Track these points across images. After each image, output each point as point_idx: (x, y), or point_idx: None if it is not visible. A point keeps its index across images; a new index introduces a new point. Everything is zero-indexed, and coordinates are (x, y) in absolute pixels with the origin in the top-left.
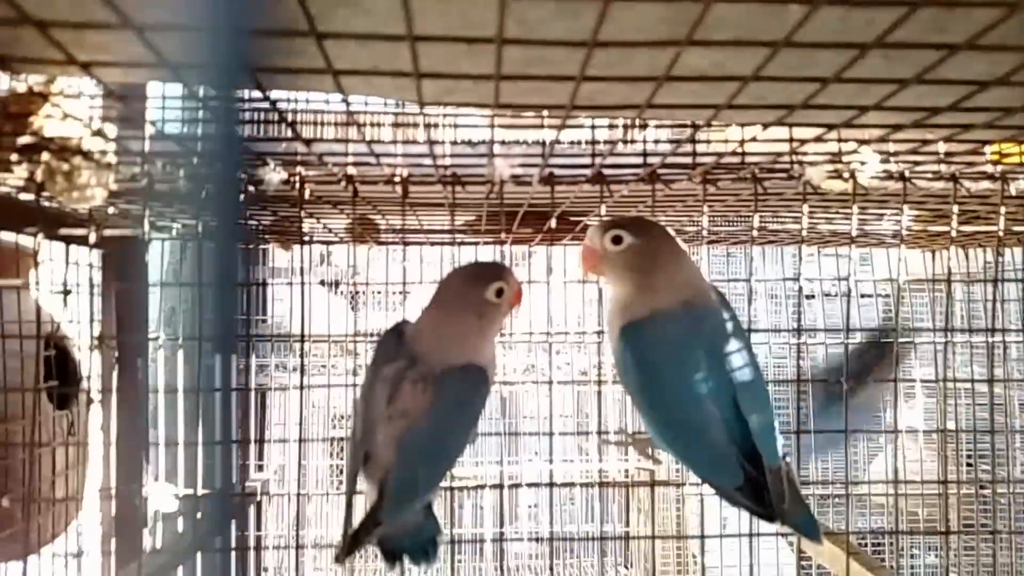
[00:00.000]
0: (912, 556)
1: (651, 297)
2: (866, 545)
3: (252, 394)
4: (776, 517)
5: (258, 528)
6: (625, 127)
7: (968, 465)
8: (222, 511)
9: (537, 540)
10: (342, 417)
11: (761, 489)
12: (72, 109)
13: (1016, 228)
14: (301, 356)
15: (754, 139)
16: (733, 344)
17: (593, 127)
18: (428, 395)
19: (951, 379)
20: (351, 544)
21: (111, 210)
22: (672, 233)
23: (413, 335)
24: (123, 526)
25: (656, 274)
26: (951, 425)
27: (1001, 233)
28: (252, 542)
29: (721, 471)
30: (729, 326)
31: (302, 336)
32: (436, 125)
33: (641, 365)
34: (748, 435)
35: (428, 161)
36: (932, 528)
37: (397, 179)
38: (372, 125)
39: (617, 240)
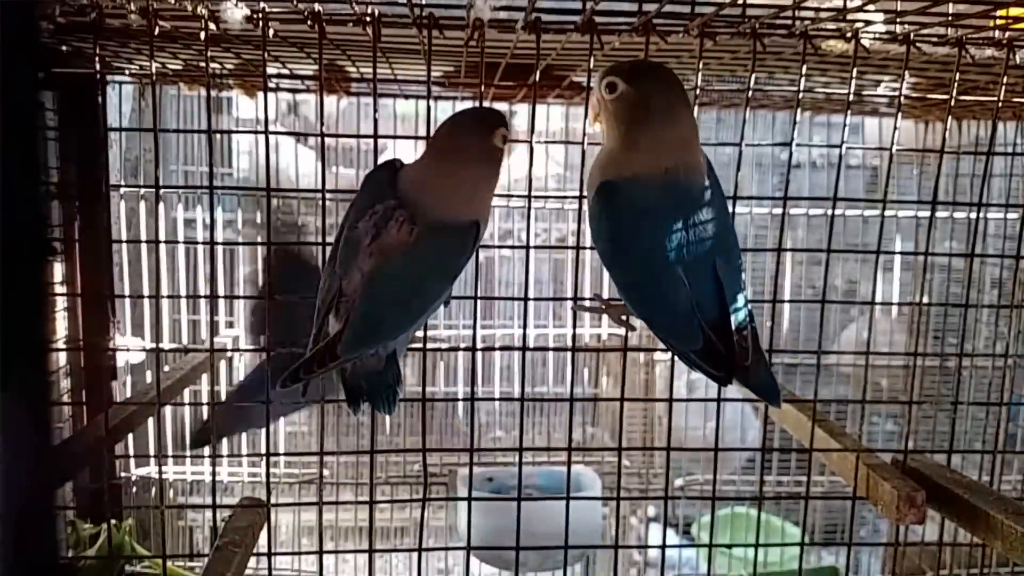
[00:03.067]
0: (872, 423)
1: (632, 158)
2: (830, 413)
3: (220, 250)
4: (730, 380)
5: (230, 383)
6: None
7: (935, 338)
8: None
9: (508, 400)
10: None
11: (719, 355)
12: None
13: (1016, 99)
14: (268, 213)
15: None
16: (713, 216)
17: None
18: (412, 237)
19: (932, 253)
20: (303, 371)
21: (63, 48)
22: (677, 84)
23: (407, 179)
24: (92, 378)
25: (643, 130)
26: (927, 300)
27: (1000, 104)
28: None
29: (680, 334)
30: (711, 198)
31: (268, 189)
32: None
33: (612, 226)
34: (717, 303)
35: (403, 0)
36: (894, 397)
37: (368, 19)
38: None
39: (612, 87)
